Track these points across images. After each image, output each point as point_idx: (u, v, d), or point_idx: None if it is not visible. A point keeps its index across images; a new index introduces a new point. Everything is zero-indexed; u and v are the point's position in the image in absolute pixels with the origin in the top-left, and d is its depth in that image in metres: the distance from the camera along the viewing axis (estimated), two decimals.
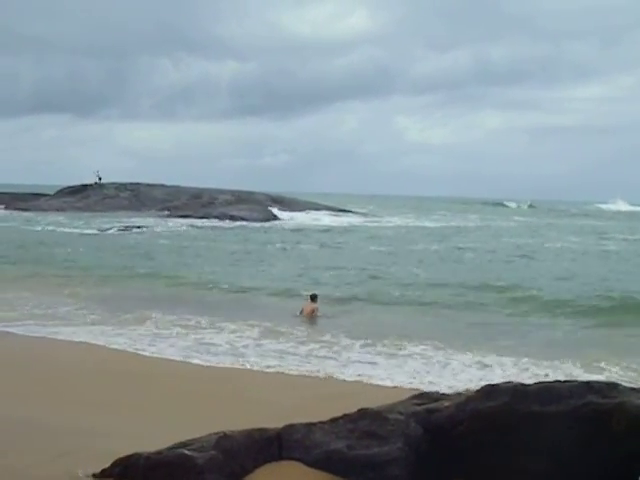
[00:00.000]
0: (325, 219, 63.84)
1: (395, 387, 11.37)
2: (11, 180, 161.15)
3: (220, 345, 14.57)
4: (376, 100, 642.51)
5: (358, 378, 12.13)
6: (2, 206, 70.01)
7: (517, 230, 57.38)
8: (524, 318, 18.53)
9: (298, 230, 50.92)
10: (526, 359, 13.36)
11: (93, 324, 16.46)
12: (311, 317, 18.33)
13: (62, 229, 48.36)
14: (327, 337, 15.50)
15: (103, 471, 6.46)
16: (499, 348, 14.44)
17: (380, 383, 11.77)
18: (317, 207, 72.03)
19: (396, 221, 67.34)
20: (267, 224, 56.13)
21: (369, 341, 14.99)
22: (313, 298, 18.98)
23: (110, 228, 48.12)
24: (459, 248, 38.94)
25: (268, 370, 12.61)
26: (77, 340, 14.54)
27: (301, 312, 18.52)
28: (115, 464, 6.44)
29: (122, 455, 6.49)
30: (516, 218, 78.95)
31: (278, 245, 39.41)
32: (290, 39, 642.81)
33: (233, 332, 15.85)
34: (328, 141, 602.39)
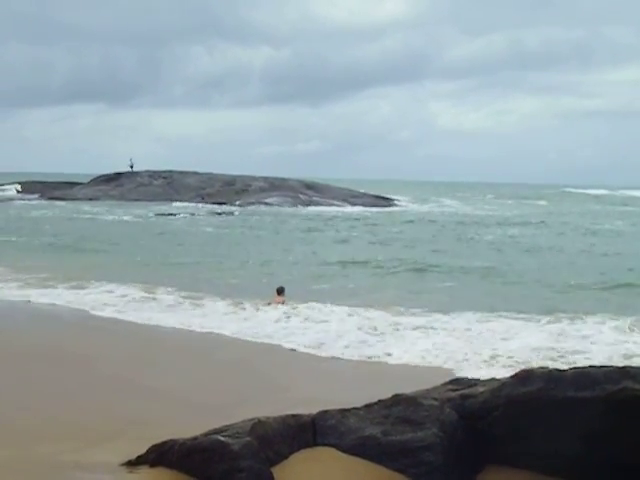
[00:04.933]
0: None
1: None
2: (47, 169, 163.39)
3: None
4: (409, 85, 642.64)
5: None
6: (36, 195, 70.75)
7: None
8: None
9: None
10: None
11: None
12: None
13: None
14: None
15: (138, 457, 6.51)
16: None
17: None
18: (354, 195, 68.83)
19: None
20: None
21: None
22: (280, 292, 17.17)
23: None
24: None
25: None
26: None
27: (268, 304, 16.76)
28: (150, 450, 6.49)
29: (157, 442, 6.53)
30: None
31: None
32: (325, 25, 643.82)
33: None
34: (361, 127, 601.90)
